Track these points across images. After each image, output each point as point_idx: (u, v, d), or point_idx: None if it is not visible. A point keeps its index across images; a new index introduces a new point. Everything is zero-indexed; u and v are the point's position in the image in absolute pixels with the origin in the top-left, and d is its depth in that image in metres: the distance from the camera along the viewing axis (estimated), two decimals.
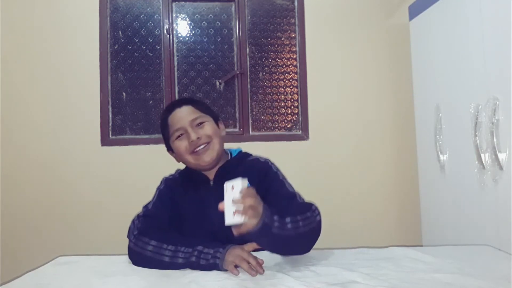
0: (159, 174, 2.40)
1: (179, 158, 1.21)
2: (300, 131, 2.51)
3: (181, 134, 1.16)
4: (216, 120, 1.23)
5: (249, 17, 2.53)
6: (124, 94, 2.46)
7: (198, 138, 1.14)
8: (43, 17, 2.38)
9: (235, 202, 0.85)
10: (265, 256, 0.98)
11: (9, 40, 2.35)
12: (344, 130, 2.48)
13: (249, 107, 2.50)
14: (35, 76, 2.36)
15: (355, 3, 2.52)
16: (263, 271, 0.92)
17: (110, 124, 2.42)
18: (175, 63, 2.48)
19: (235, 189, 0.87)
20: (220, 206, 0.88)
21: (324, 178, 2.42)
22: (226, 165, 1.20)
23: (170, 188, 1.21)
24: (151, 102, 2.47)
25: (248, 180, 1.13)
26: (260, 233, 0.88)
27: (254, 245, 0.98)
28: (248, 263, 0.92)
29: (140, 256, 1.02)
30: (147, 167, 2.37)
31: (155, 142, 2.41)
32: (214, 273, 0.92)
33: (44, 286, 0.88)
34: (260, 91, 2.53)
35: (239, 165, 1.20)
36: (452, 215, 1.81)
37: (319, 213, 1.05)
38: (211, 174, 1.19)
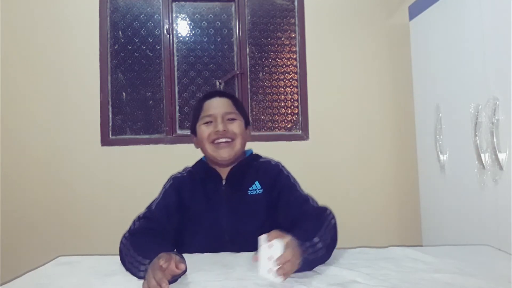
0: (159, 174, 2.41)
1: (199, 144, 1.21)
2: (300, 131, 2.51)
3: (210, 122, 1.17)
4: (246, 124, 1.24)
5: (249, 17, 2.53)
6: (124, 94, 2.46)
7: (224, 130, 1.14)
8: (43, 17, 2.38)
9: (272, 259, 0.84)
10: None
11: (9, 40, 2.35)
12: (344, 130, 2.48)
13: (249, 107, 2.50)
14: (35, 76, 2.36)
15: (355, 3, 2.52)
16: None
17: (110, 124, 2.42)
18: (175, 63, 2.49)
19: (273, 247, 0.85)
20: (254, 257, 0.87)
21: (324, 178, 2.42)
22: (239, 165, 1.20)
23: (176, 188, 1.19)
24: (151, 102, 2.47)
25: (261, 183, 1.17)
26: (300, 270, 0.88)
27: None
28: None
29: (120, 254, 1.01)
30: (147, 167, 2.37)
31: (155, 142, 2.41)
32: (215, 273, 0.92)
33: (44, 286, 0.88)
34: (260, 91, 2.53)
35: (251, 167, 1.21)
36: (452, 215, 1.80)
37: (334, 216, 1.05)
38: (223, 173, 1.20)
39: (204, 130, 1.17)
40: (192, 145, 2.39)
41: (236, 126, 1.17)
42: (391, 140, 2.51)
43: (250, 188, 1.17)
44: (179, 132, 2.46)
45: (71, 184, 2.34)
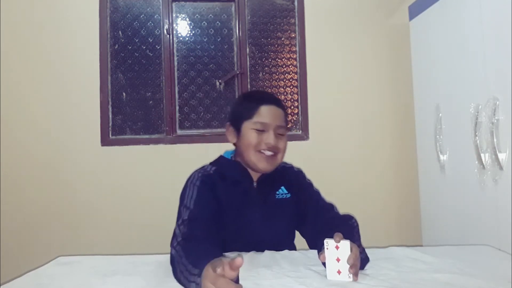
0: (159, 174, 2.41)
1: (239, 142, 1.19)
2: (300, 131, 2.51)
3: (262, 130, 1.15)
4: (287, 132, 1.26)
5: (249, 17, 2.53)
6: (124, 94, 2.46)
7: (273, 146, 1.14)
8: (43, 17, 2.38)
9: (340, 261, 0.87)
10: (266, 257, 0.99)
11: (9, 40, 2.35)
12: (344, 130, 2.48)
13: None
14: (35, 76, 2.36)
15: (355, 3, 2.52)
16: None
17: (110, 124, 2.42)
18: (175, 63, 2.48)
19: (340, 249, 0.87)
20: (322, 258, 0.89)
21: (324, 178, 2.39)
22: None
23: (209, 184, 1.15)
24: (151, 102, 2.47)
25: (287, 188, 1.22)
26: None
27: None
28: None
29: (172, 264, 0.92)
30: (147, 167, 2.37)
31: (155, 142, 2.41)
32: None
33: (44, 286, 0.88)
34: (260, 90, 2.52)
35: (277, 171, 1.22)
36: (452, 215, 1.80)
37: (357, 224, 1.10)
38: (255, 176, 1.21)
39: (253, 137, 1.15)
40: (192, 145, 2.41)
41: (283, 142, 1.18)
42: (391, 140, 2.51)
43: (277, 192, 1.21)
44: (179, 132, 2.46)
45: (71, 184, 2.34)
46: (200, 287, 0.74)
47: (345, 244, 0.87)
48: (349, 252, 0.86)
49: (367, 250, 1.08)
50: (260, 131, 1.15)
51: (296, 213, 1.20)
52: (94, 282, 0.89)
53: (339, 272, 0.87)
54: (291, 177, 1.25)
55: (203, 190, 1.12)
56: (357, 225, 1.09)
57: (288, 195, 1.21)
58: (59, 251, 1.52)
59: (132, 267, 1.01)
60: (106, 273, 0.95)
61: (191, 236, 0.97)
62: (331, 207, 1.18)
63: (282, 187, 1.22)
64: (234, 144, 1.23)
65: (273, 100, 1.21)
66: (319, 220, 1.13)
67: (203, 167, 1.24)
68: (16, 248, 2.28)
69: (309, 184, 1.25)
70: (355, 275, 0.86)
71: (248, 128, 1.16)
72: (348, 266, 0.86)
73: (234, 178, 1.19)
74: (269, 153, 1.15)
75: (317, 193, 1.23)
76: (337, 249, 0.87)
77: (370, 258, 0.99)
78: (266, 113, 1.16)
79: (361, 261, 0.92)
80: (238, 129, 1.19)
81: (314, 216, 1.15)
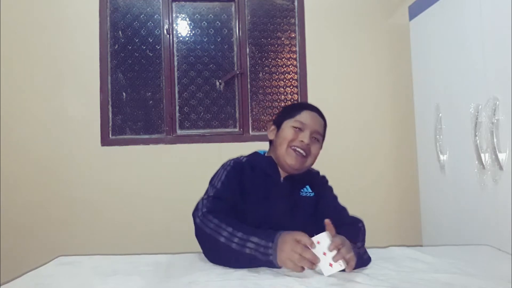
0: (159, 174, 2.41)
1: (277, 138, 1.26)
2: None
3: (299, 129, 1.22)
4: (321, 144, 1.32)
5: (249, 17, 2.53)
6: (124, 94, 2.46)
7: (307, 145, 1.21)
8: (43, 17, 2.38)
9: (328, 252, 0.90)
10: None
11: (9, 40, 2.35)
12: (344, 130, 2.48)
13: (249, 107, 2.50)
14: (35, 76, 2.36)
15: (355, 3, 2.52)
16: (319, 261, 0.90)
17: (110, 124, 2.42)
18: (175, 63, 2.48)
19: (321, 243, 0.91)
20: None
21: None
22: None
23: (238, 170, 1.22)
24: (151, 102, 2.47)
25: (311, 187, 1.27)
26: (357, 264, 0.94)
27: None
28: (306, 259, 0.90)
29: (202, 232, 1.03)
30: (147, 167, 2.37)
31: (155, 142, 2.41)
32: (215, 273, 0.92)
33: (44, 286, 0.88)
34: (260, 91, 2.53)
35: (303, 173, 1.28)
36: (452, 215, 1.81)
37: (365, 228, 1.18)
38: (283, 173, 1.26)
39: (290, 132, 1.22)
40: (192, 145, 2.41)
41: (316, 148, 1.25)
42: (391, 140, 2.51)
43: (302, 190, 1.26)
44: (179, 132, 2.46)
45: (71, 184, 2.34)
46: (273, 256, 0.91)
47: (323, 236, 0.90)
48: (329, 242, 0.89)
49: (367, 250, 1.09)
50: (298, 130, 1.22)
51: (317, 212, 1.24)
52: (94, 282, 0.89)
53: (330, 265, 0.89)
54: (316, 179, 1.33)
55: (231, 175, 1.20)
56: (364, 228, 1.16)
57: (312, 194, 1.26)
58: (59, 251, 1.52)
59: (132, 267, 1.01)
60: (106, 273, 0.95)
61: (215, 211, 1.06)
62: (344, 210, 1.26)
63: (307, 186, 1.28)
64: (270, 142, 1.31)
65: (316, 109, 1.31)
66: (332, 221, 1.15)
67: (237, 157, 1.31)
68: (16, 248, 2.28)
69: (330, 188, 1.33)
70: (348, 264, 0.89)
71: (288, 125, 1.24)
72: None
73: (263, 170, 1.25)
74: (301, 150, 1.20)
75: (335, 197, 1.31)
76: (319, 244, 0.90)
77: (372, 257, 1.00)
78: (306, 116, 1.25)
79: (363, 261, 0.98)
80: (278, 127, 1.28)
81: (329, 217, 1.17)
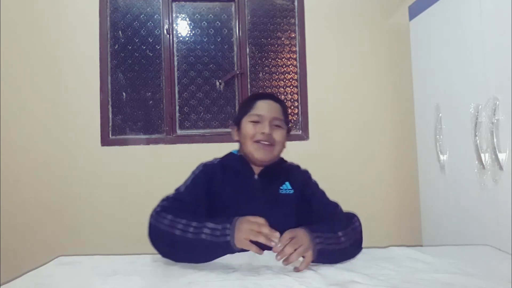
0: (159, 174, 2.41)
1: (240, 137, 1.26)
2: (300, 131, 2.51)
3: (257, 122, 1.21)
4: (288, 132, 1.29)
5: (249, 17, 2.53)
6: (124, 94, 2.46)
7: (269, 134, 1.19)
8: (43, 17, 2.38)
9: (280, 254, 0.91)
10: (266, 257, 0.98)
11: (9, 40, 2.35)
12: (344, 130, 2.48)
13: None
14: (35, 76, 2.36)
15: (355, 3, 2.52)
16: (278, 237, 0.92)
17: (110, 124, 2.42)
18: (175, 63, 2.48)
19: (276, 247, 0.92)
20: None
21: (324, 179, 2.38)
22: (271, 164, 1.25)
23: (207, 174, 1.21)
24: (151, 102, 2.47)
25: (291, 184, 1.24)
26: (321, 257, 0.94)
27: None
28: (263, 234, 0.92)
29: (156, 230, 1.01)
30: (147, 167, 2.37)
31: (155, 142, 2.41)
32: (215, 273, 0.92)
33: (44, 286, 0.88)
34: (260, 91, 2.53)
35: (281, 167, 1.27)
36: (452, 215, 1.80)
37: (360, 223, 1.11)
38: (256, 169, 1.24)
39: (250, 128, 1.21)
40: (192, 145, 2.41)
41: (279, 134, 1.23)
42: (391, 140, 2.51)
43: (281, 187, 1.23)
44: (179, 132, 2.46)
45: (71, 184, 2.34)
46: (230, 237, 0.91)
47: (274, 243, 0.92)
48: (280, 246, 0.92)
49: (367, 250, 1.09)
50: (256, 123, 1.21)
51: (299, 211, 1.21)
52: (95, 282, 0.89)
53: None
54: (297, 175, 1.28)
55: (199, 179, 1.19)
56: (359, 224, 1.10)
57: (292, 191, 1.23)
58: (59, 251, 1.52)
59: (132, 267, 1.01)
60: (106, 273, 0.95)
61: (169, 209, 1.05)
62: (335, 205, 1.21)
63: (287, 183, 1.24)
64: (238, 141, 1.29)
65: (269, 96, 1.29)
66: (324, 218, 1.14)
67: (210, 160, 1.30)
68: (16, 248, 2.28)
69: (315, 184, 1.28)
70: (288, 259, 0.91)
71: (246, 121, 1.23)
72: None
73: (235, 169, 1.23)
74: (265, 142, 1.19)
75: (322, 192, 1.26)
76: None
77: (370, 258, 0.99)
78: (261, 106, 1.23)
79: (325, 251, 0.95)
80: (239, 126, 1.26)
81: (319, 213, 1.17)
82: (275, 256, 0.91)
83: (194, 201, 1.13)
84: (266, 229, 0.92)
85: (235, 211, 1.14)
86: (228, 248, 0.93)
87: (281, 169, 1.27)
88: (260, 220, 0.94)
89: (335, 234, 0.99)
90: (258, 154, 1.20)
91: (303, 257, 0.92)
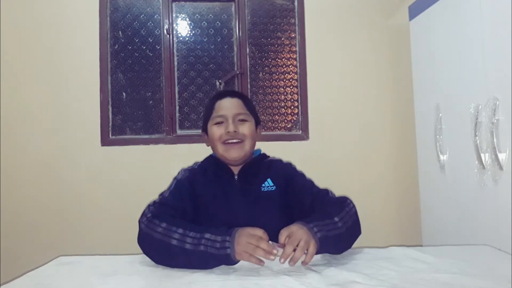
0: (159, 174, 2.41)
1: (210, 143, 1.25)
2: (300, 131, 2.51)
3: (221, 122, 1.20)
4: (257, 124, 1.27)
5: (249, 17, 2.53)
6: (124, 94, 2.46)
7: (235, 131, 1.17)
8: (43, 17, 2.38)
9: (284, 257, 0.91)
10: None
11: (9, 40, 2.35)
12: (344, 130, 2.48)
13: None
14: (35, 76, 2.36)
15: (355, 3, 2.52)
16: (277, 251, 0.91)
17: (110, 124, 2.42)
18: (175, 63, 2.49)
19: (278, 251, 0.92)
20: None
21: (324, 179, 2.37)
22: (250, 163, 1.24)
23: (188, 179, 1.20)
24: (151, 102, 2.47)
25: (273, 180, 1.22)
26: (324, 245, 0.94)
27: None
28: (262, 249, 0.91)
29: (149, 238, 0.99)
30: (147, 167, 2.37)
31: (155, 142, 2.41)
32: (215, 274, 0.92)
33: (44, 286, 0.88)
34: (260, 91, 2.53)
35: (261, 164, 1.25)
36: (452, 215, 1.80)
37: (354, 205, 1.10)
38: (235, 170, 1.23)
39: (215, 131, 1.20)
40: (191, 145, 2.41)
41: (246, 128, 1.21)
42: (391, 140, 2.51)
43: (263, 185, 1.21)
44: (179, 132, 2.46)
45: (71, 184, 2.34)
46: (230, 249, 0.90)
47: (276, 248, 0.92)
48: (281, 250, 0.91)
49: (367, 250, 1.09)
50: (221, 124, 1.20)
51: (285, 206, 1.19)
52: (95, 282, 0.89)
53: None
54: (278, 169, 1.25)
55: (181, 184, 1.18)
56: (353, 206, 1.09)
57: (274, 188, 1.21)
58: (59, 251, 1.52)
59: (132, 267, 1.01)
60: (106, 273, 0.95)
61: (161, 215, 1.03)
62: (326, 192, 1.18)
63: (268, 180, 1.22)
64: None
65: (226, 93, 1.27)
66: (316, 206, 1.13)
67: (191, 165, 1.29)
68: (16, 248, 2.28)
69: (301, 174, 1.25)
70: (294, 259, 0.90)
71: (211, 125, 1.22)
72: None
73: (214, 172, 1.23)
74: (233, 140, 1.18)
75: (310, 182, 1.23)
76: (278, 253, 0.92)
77: (370, 258, 0.99)
78: (220, 106, 1.22)
79: (325, 239, 0.94)
80: (207, 132, 1.25)
81: (311, 203, 1.15)
82: (279, 260, 0.91)
83: (180, 205, 1.12)
84: (264, 244, 0.90)
85: (217, 214, 1.15)
86: (228, 260, 0.92)
87: (262, 166, 1.24)
88: (259, 232, 0.93)
89: (331, 220, 0.98)
90: (229, 154, 1.19)
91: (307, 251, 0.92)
